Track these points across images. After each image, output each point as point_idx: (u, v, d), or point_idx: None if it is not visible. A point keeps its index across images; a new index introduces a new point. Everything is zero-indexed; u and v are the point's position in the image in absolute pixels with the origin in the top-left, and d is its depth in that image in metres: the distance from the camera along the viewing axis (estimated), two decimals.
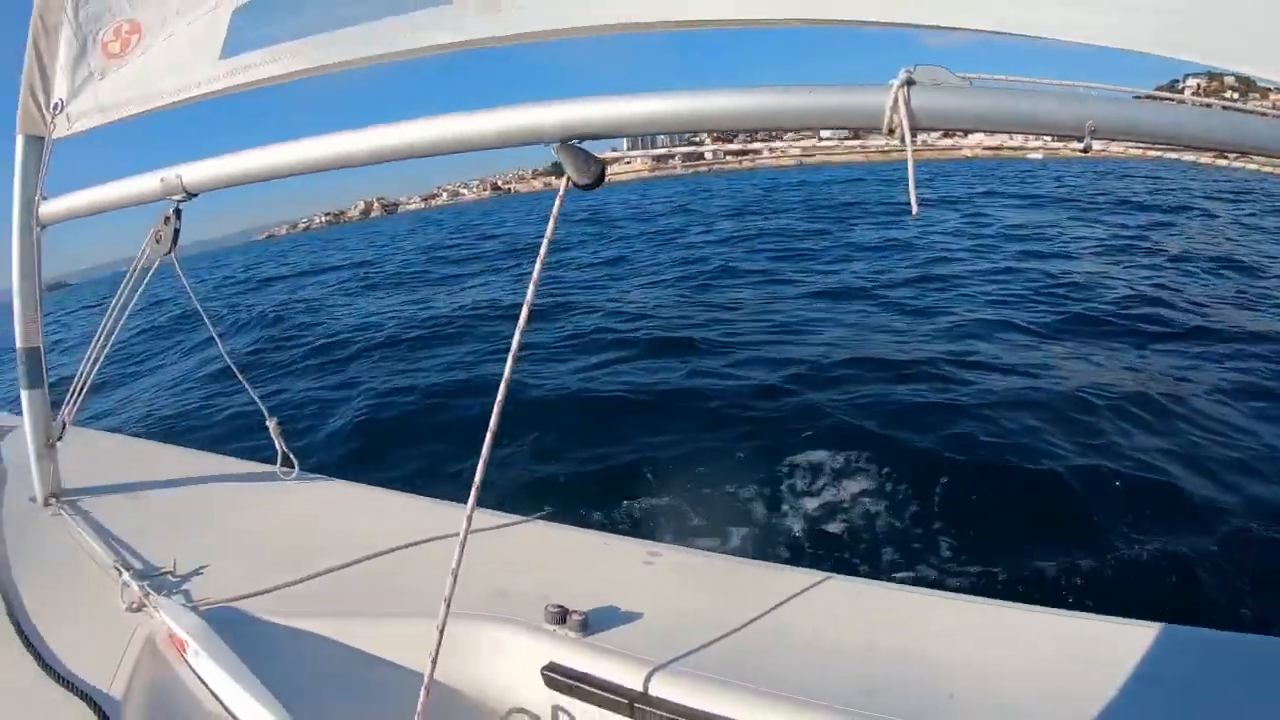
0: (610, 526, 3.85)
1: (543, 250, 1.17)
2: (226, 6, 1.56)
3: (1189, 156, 1.26)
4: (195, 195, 1.52)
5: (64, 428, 2.00)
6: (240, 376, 1.81)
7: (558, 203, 1.19)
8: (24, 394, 1.98)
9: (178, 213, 1.55)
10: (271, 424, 1.89)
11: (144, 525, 1.94)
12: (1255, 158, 1.23)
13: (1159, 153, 1.43)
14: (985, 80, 1.28)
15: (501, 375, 1.17)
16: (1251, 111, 1.42)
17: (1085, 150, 1.33)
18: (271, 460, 2.00)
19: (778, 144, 1.56)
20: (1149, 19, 1.38)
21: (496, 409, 1.22)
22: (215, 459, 2.47)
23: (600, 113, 1.19)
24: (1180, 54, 1.35)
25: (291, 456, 1.94)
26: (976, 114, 1.25)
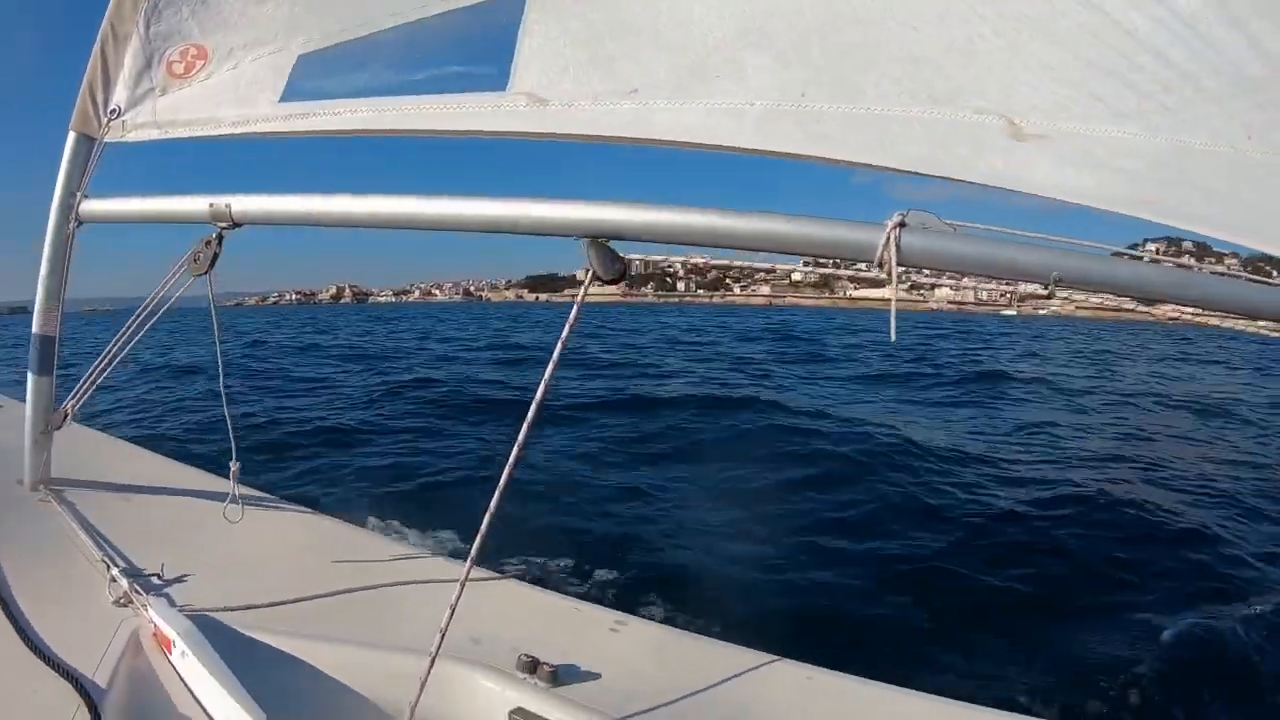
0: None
1: (562, 338, 1.29)
2: (292, 51, 1.68)
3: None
4: (240, 225, 1.61)
5: (65, 418, 2.05)
6: (227, 414, 1.86)
7: (581, 293, 1.31)
8: (30, 378, 2.03)
9: (220, 238, 1.65)
10: (234, 466, 1.91)
11: (130, 526, 1.98)
12: None
13: (1117, 305, 1.62)
14: (968, 228, 1.45)
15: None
16: (1201, 269, 1.60)
17: (1049, 295, 1.52)
18: (254, 485, 2.06)
19: (765, 266, 1.69)
20: (1126, 184, 1.56)
21: (506, 472, 1.34)
22: (201, 474, 2.51)
23: (630, 217, 1.32)
24: (1155, 217, 1.54)
25: (239, 499, 1.93)
26: (957, 257, 1.42)
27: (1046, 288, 1.46)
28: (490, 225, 1.37)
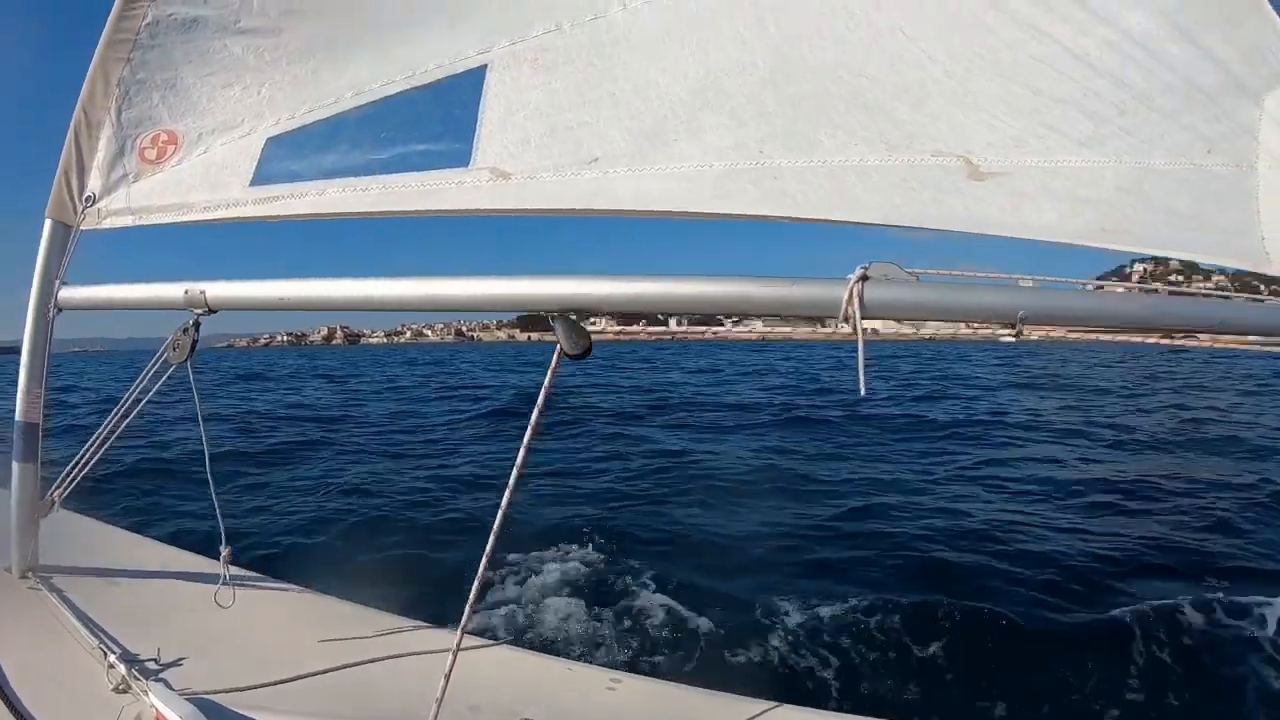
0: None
1: (535, 414, 1.31)
2: (261, 134, 1.71)
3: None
4: (216, 311, 1.64)
5: (52, 506, 2.05)
6: (213, 492, 1.88)
7: (550, 373, 1.32)
8: (15, 466, 2.03)
9: (197, 325, 1.67)
10: (225, 551, 1.92)
11: (122, 611, 1.98)
12: None
13: (1082, 334, 1.64)
14: (930, 275, 1.47)
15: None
16: (1172, 291, 1.62)
17: (1017, 335, 1.53)
18: (239, 562, 2.06)
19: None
20: (1089, 215, 1.58)
21: (491, 540, 1.36)
22: (192, 557, 2.51)
23: (594, 290, 1.34)
24: (1120, 246, 1.56)
25: (230, 580, 1.94)
26: (921, 305, 1.44)
27: (1014, 328, 1.47)
28: (462, 305, 1.40)
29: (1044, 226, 1.55)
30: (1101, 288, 1.72)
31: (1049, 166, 1.60)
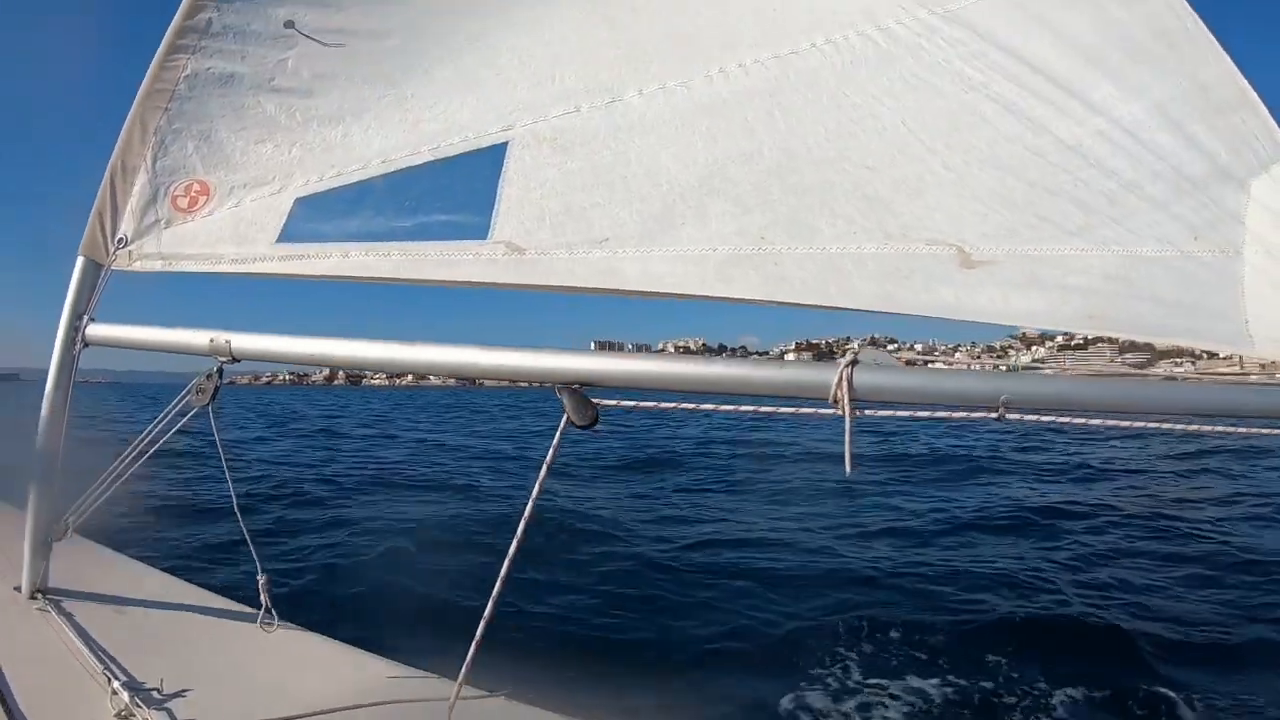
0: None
1: (540, 479, 1.38)
2: (290, 193, 1.80)
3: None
4: (239, 360, 1.72)
5: (66, 531, 2.11)
6: (244, 527, 1.95)
7: (555, 440, 1.40)
8: (33, 490, 2.09)
9: (220, 371, 1.75)
10: (262, 579, 1.98)
11: (127, 638, 2.02)
12: None
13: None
14: (917, 360, 1.54)
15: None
16: (1151, 377, 1.68)
17: (1000, 419, 1.59)
18: (253, 601, 2.10)
19: None
20: (1076, 302, 1.66)
21: (496, 590, 1.42)
22: (197, 590, 2.55)
23: (600, 366, 1.41)
24: (1105, 332, 1.63)
25: (273, 611, 2.02)
26: (907, 390, 1.50)
27: (997, 412, 1.52)
28: (469, 372, 1.47)
29: (1032, 314, 1.62)
30: (1095, 375, 1.75)
31: (1039, 255, 1.67)
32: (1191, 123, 1.68)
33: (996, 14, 1.83)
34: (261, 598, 1.98)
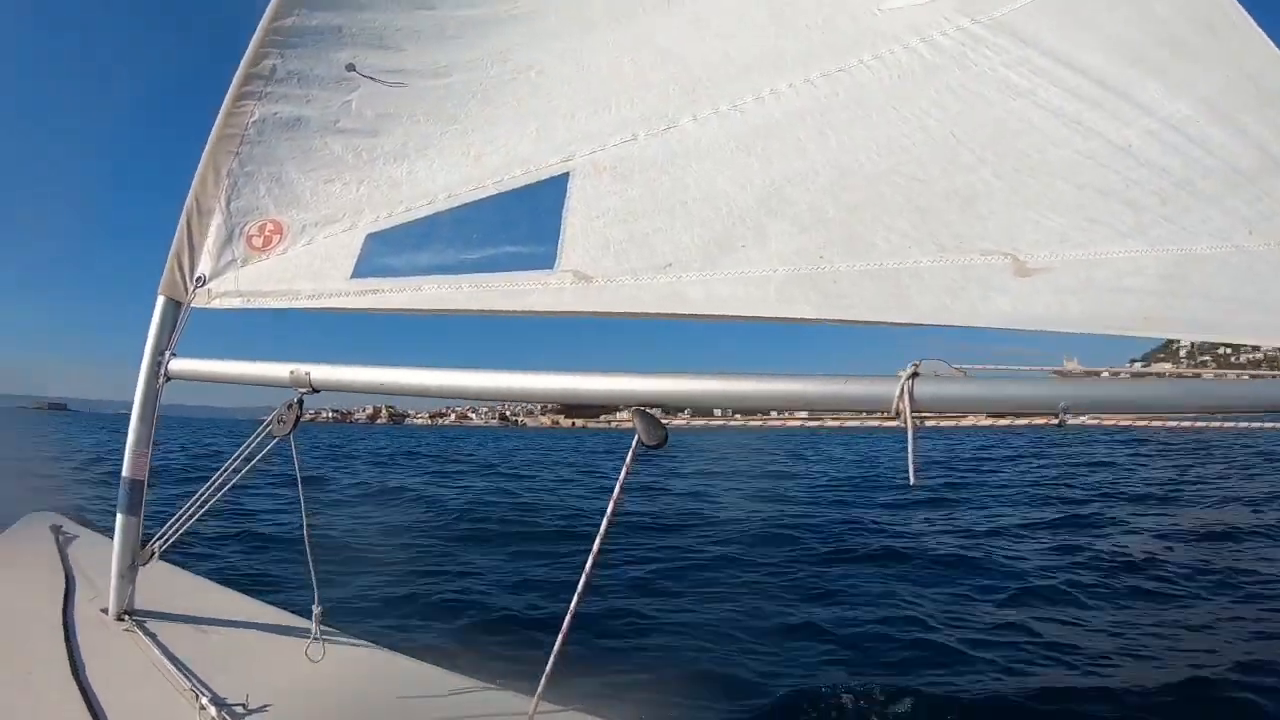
0: None
1: (613, 500, 1.43)
2: (361, 230, 1.88)
3: None
4: (318, 391, 1.80)
5: (152, 556, 2.22)
6: (308, 555, 2.01)
7: (628, 461, 1.45)
8: (120, 517, 2.20)
9: (300, 402, 1.83)
10: (317, 610, 2.03)
11: (211, 657, 2.11)
12: None
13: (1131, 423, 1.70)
14: (977, 370, 1.56)
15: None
16: (1212, 374, 1.68)
17: (1060, 425, 1.60)
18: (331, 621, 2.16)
19: None
20: (1131, 304, 1.66)
21: (574, 603, 1.47)
22: (274, 610, 2.64)
23: (669, 387, 1.46)
24: (1163, 333, 1.63)
25: (322, 638, 2.05)
26: (968, 400, 1.52)
27: (1057, 419, 1.54)
28: (543, 398, 1.53)
29: (1088, 319, 1.63)
30: (1153, 374, 1.74)
31: (1092, 259, 1.67)
32: (1241, 114, 1.67)
33: (1039, 19, 1.84)
34: (313, 625, 2.04)
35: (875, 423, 1.60)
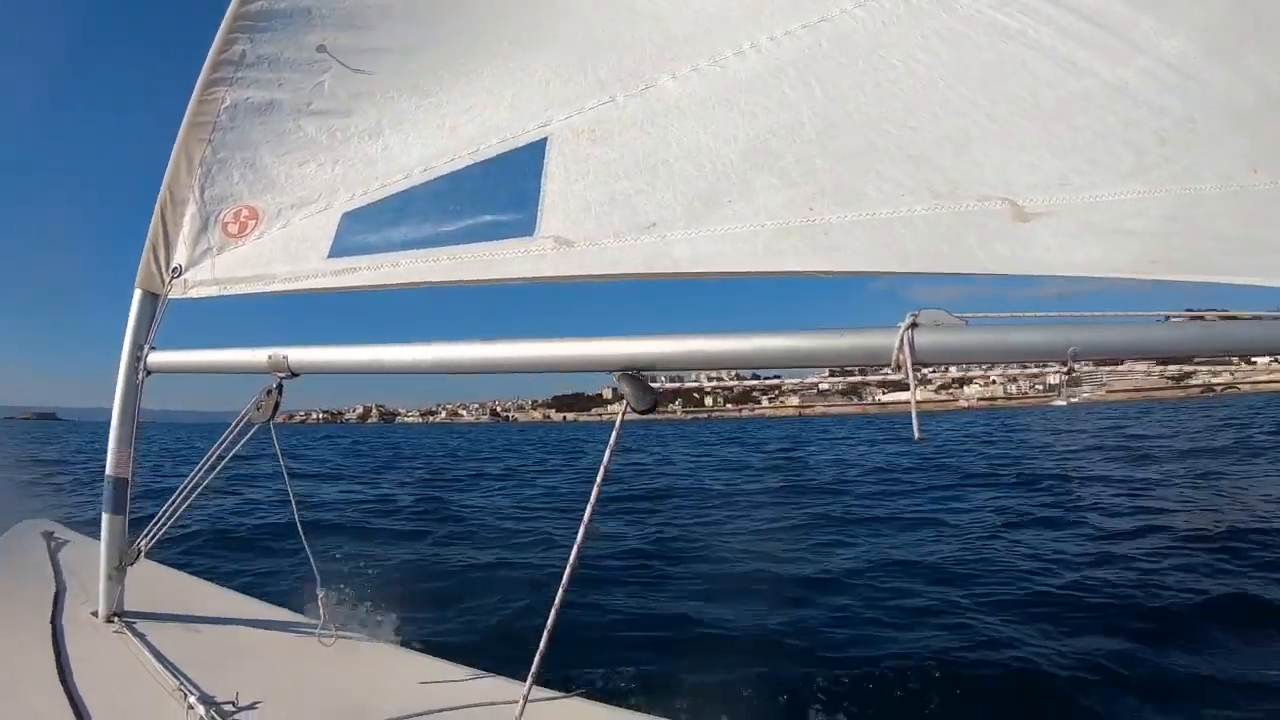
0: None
1: (601, 471, 1.38)
2: (337, 210, 1.83)
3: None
4: (298, 375, 1.75)
5: (139, 555, 2.18)
6: (306, 542, 1.99)
7: (617, 428, 1.40)
8: (105, 518, 2.17)
9: (280, 388, 1.79)
10: (321, 595, 2.01)
11: (200, 656, 2.06)
12: None
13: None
14: (979, 318, 1.50)
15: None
16: (1220, 316, 1.62)
17: (1070, 372, 1.54)
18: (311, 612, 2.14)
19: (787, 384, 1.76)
20: (1135, 248, 1.60)
21: (561, 590, 1.42)
22: (264, 606, 2.61)
23: (658, 349, 1.41)
24: (1168, 276, 1.57)
25: (331, 624, 2.05)
26: (971, 349, 1.47)
27: (1065, 365, 1.48)
28: (529, 366, 1.48)
29: (1091, 263, 1.56)
30: (1156, 317, 1.69)
31: (1093, 202, 1.61)
32: (1239, 48, 1.61)
33: None
34: (321, 611, 2.01)
35: (877, 378, 1.55)
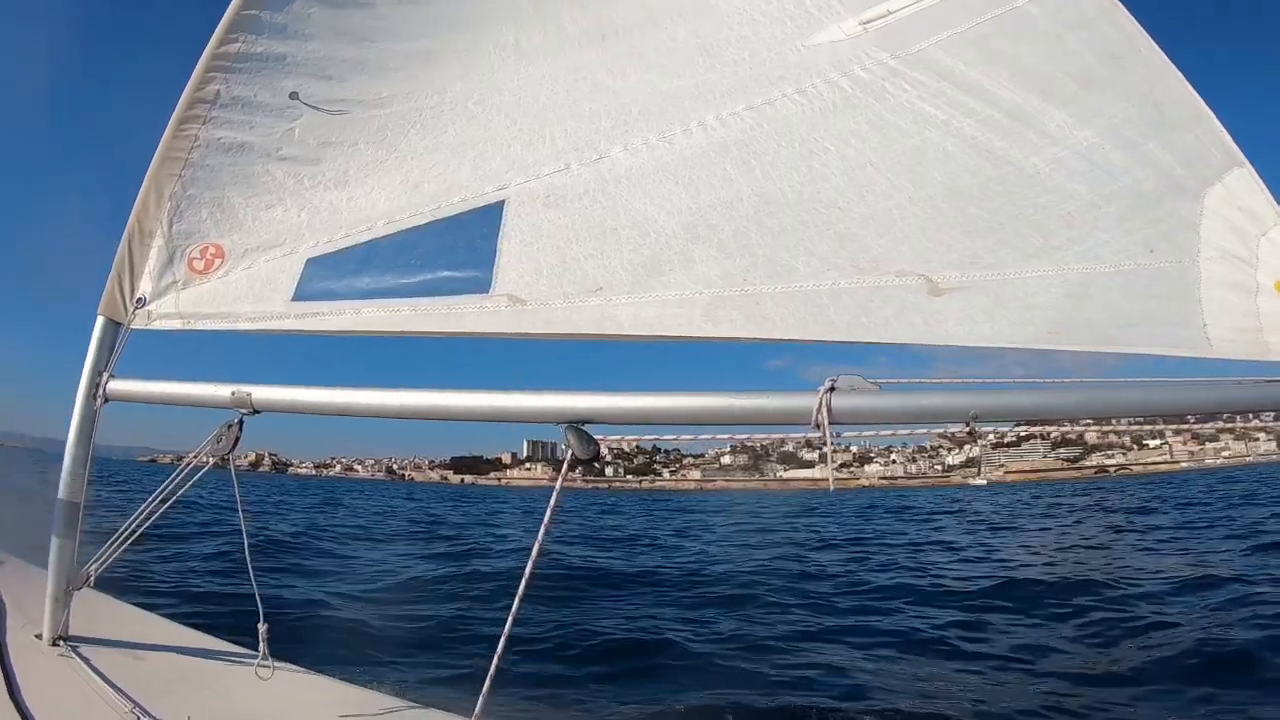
0: None
1: (549, 513, 1.50)
2: (302, 255, 1.92)
3: None
4: (259, 413, 1.83)
5: (87, 580, 2.19)
6: (252, 574, 2.03)
7: (563, 473, 1.52)
8: (54, 541, 2.17)
9: (241, 424, 1.86)
10: (263, 627, 2.03)
11: (147, 681, 2.08)
12: None
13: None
14: (891, 384, 1.66)
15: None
16: (1108, 382, 1.79)
17: (971, 434, 1.70)
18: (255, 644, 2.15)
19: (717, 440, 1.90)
20: (1038, 321, 1.77)
21: (507, 627, 1.51)
22: (204, 636, 2.61)
23: (606, 404, 1.53)
24: (1068, 347, 1.74)
25: (269, 656, 2.05)
26: (882, 411, 1.62)
27: (967, 426, 1.64)
28: (475, 415, 1.59)
29: (996, 334, 1.74)
30: (1053, 382, 1.84)
31: (1001, 279, 1.78)
32: (1145, 141, 1.79)
33: (954, 53, 1.95)
34: (260, 645, 2.03)
35: (802, 436, 1.68)
